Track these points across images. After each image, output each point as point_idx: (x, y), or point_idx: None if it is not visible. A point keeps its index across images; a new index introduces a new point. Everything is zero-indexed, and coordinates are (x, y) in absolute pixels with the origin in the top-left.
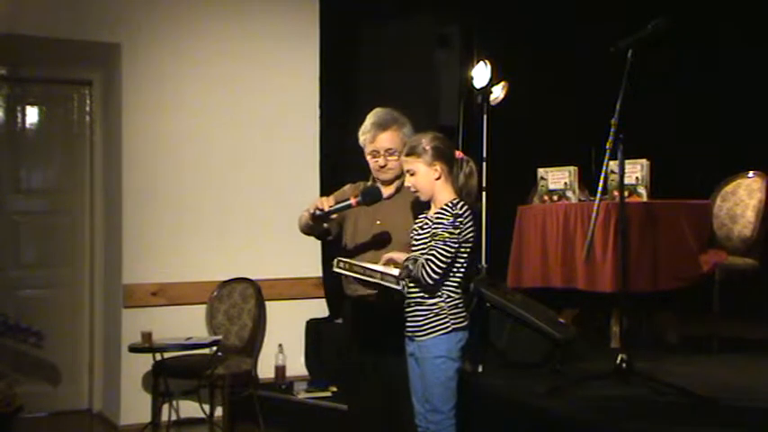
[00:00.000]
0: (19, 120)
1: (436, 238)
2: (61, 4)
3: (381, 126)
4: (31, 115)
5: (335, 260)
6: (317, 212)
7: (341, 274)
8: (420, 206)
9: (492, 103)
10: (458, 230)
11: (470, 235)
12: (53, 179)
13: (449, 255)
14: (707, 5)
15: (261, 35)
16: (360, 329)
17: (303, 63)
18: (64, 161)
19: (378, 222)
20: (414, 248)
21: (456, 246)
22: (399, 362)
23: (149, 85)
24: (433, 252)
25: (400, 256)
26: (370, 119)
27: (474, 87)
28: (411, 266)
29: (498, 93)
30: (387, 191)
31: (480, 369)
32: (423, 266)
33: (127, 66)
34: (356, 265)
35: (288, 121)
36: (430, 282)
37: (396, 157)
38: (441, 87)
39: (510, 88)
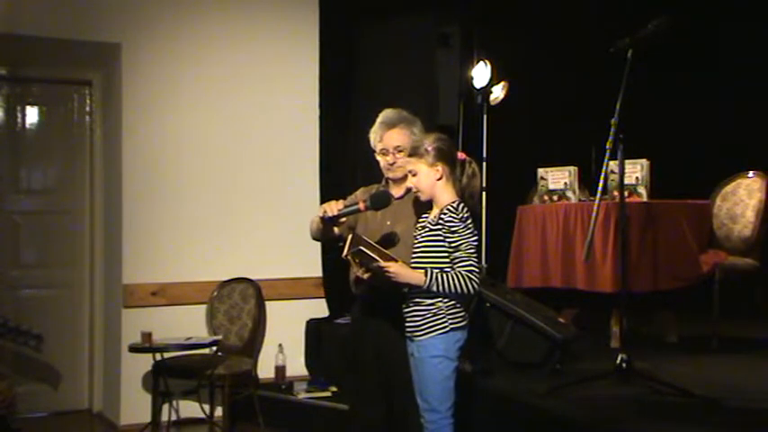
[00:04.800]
0: (19, 120)
1: (462, 247)
2: (61, 4)
3: (389, 124)
4: (31, 115)
5: (351, 236)
6: (326, 217)
7: (355, 249)
8: (429, 207)
9: (492, 103)
10: (470, 230)
11: (474, 238)
12: (53, 179)
13: (476, 256)
14: (707, 5)
15: (261, 35)
16: (367, 329)
17: (303, 63)
18: (64, 161)
19: (388, 223)
20: (415, 250)
21: (476, 244)
22: (404, 361)
23: (149, 85)
24: (469, 263)
25: (407, 274)
26: (379, 119)
27: (474, 87)
28: (443, 284)
29: (498, 93)
30: (397, 191)
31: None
32: (468, 280)
33: (127, 66)
34: (370, 244)
35: (288, 120)
36: (477, 290)
37: (404, 155)
38: (441, 87)
39: (510, 88)
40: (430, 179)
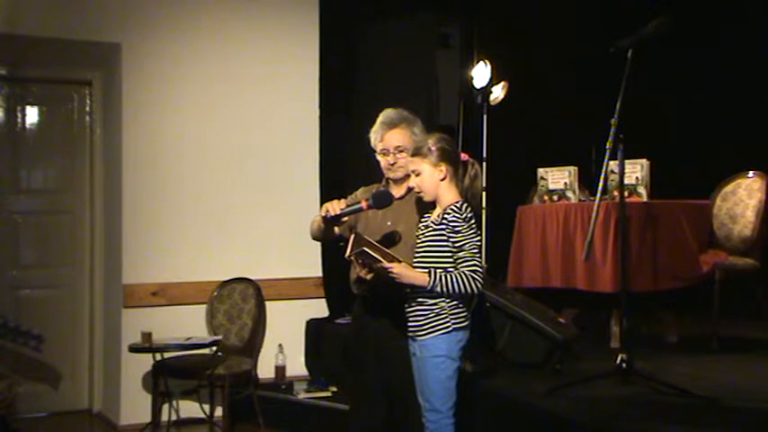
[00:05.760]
0: (19, 120)
1: (465, 247)
2: (61, 4)
3: (390, 124)
4: (31, 115)
5: (354, 236)
6: (328, 216)
7: (358, 250)
8: (431, 207)
9: (492, 103)
10: (473, 231)
11: (478, 238)
12: (53, 179)
13: (480, 256)
14: (707, 5)
15: (261, 35)
16: (368, 329)
17: (303, 63)
18: (64, 161)
19: (389, 223)
20: (418, 250)
21: (479, 244)
22: (405, 361)
23: (149, 85)
24: (473, 263)
25: (411, 275)
26: (380, 118)
27: (474, 87)
28: (447, 284)
29: (498, 93)
30: (398, 191)
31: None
32: (472, 280)
33: (127, 66)
34: (373, 244)
35: (288, 120)
36: (480, 290)
37: (405, 155)
38: (441, 87)
39: (510, 88)
40: (433, 179)
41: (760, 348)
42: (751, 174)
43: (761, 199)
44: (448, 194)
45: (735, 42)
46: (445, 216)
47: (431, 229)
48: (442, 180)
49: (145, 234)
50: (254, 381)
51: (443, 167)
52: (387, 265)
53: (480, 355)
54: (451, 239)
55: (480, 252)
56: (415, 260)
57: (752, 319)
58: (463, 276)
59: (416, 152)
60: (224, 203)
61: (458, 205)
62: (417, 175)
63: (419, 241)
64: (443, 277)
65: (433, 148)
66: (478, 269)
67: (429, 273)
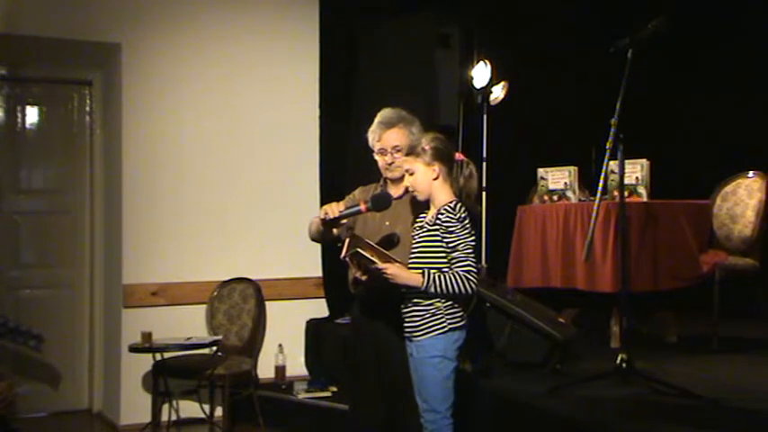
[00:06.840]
0: (19, 120)
1: (459, 247)
2: (61, 4)
3: (387, 124)
4: (31, 115)
5: (350, 237)
6: (326, 218)
7: (353, 251)
8: (428, 207)
9: (492, 103)
10: (467, 230)
11: (471, 238)
12: (53, 179)
13: (474, 256)
14: (707, 5)
15: (261, 35)
16: (366, 329)
17: (303, 63)
18: (64, 161)
19: (387, 224)
20: (413, 251)
21: (473, 244)
22: (403, 361)
23: (149, 85)
24: (467, 263)
25: (405, 276)
26: (378, 118)
27: (474, 87)
28: (441, 285)
29: (498, 93)
30: (396, 191)
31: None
32: (466, 280)
33: (127, 66)
34: (369, 245)
35: (288, 120)
36: (475, 290)
37: (403, 154)
38: (441, 87)
39: (510, 88)
40: (426, 178)
41: (760, 348)
42: (751, 174)
43: (761, 199)
44: (441, 194)
45: (735, 42)
46: (439, 216)
47: (425, 229)
48: (435, 179)
49: (145, 234)
50: (254, 381)
51: (436, 167)
52: (381, 265)
53: (480, 355)
54: (445, 240)
55: (474, 252)
56: (410, 261)
57: (752, 319)
58: (457, 277)
59: (410, 151)
60: (224, 203)
61: (451, 205)
62: (411, 174)
63: (414, 242)
64: (437, 278)
65: (427, 148)
66: (472, 269)
67: (423, 273)
